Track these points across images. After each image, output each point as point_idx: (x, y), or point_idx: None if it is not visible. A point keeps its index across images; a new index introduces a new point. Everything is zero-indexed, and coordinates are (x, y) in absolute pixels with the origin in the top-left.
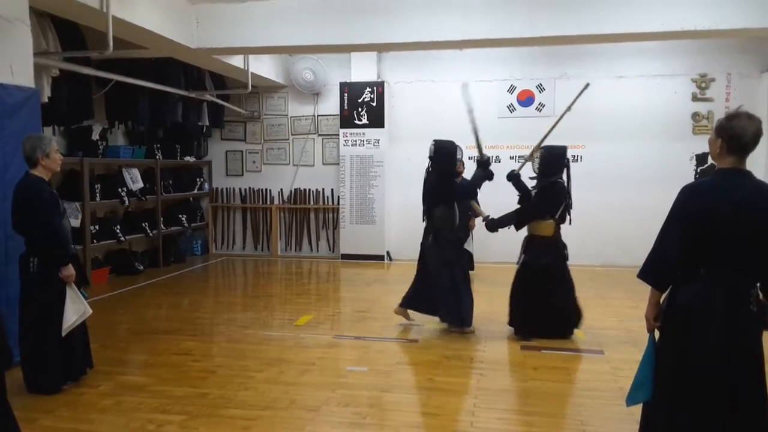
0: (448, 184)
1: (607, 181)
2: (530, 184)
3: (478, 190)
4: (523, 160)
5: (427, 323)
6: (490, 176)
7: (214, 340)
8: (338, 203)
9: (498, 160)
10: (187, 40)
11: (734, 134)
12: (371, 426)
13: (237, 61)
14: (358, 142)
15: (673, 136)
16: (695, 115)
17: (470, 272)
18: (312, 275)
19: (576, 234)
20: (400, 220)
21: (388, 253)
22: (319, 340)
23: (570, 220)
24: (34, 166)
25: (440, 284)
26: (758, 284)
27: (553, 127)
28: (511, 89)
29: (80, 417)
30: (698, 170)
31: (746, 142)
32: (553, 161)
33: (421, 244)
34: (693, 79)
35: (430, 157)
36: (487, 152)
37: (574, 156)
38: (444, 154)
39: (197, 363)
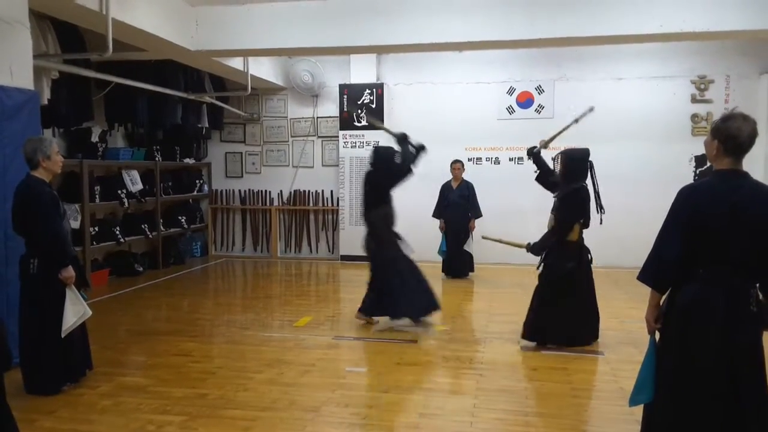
0: (389, 178)
1: (607, 183)
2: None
3: (413, 161)
4: (542, 144)
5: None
6: (419, 148)
7: (214, 341)
8: (338, 205)
9: (497, 161)
10: (186, 42)
11: (730, 135)
12: (371, 426)
13: (236, 63)
14: (357, 143)
15: (672, 138)
16: (694, 117)
17: (470, 273)
18: (311, 276)
19: None
20: (399, 221)
21: None
22: (318, 341)
23: (601, 221)
24: (35, 167)
25: (390, 282)
26: (758, 284)
27: (564, 129)
28: (511, 91)
29: (80, 418)
30: (697, 171)
31: (742, 143)
32: (574, 166)
33: (366, 248)
34: (692, 80)
35: (371, 164)
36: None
37: None
38: (383, 160)
39: (197, 364)
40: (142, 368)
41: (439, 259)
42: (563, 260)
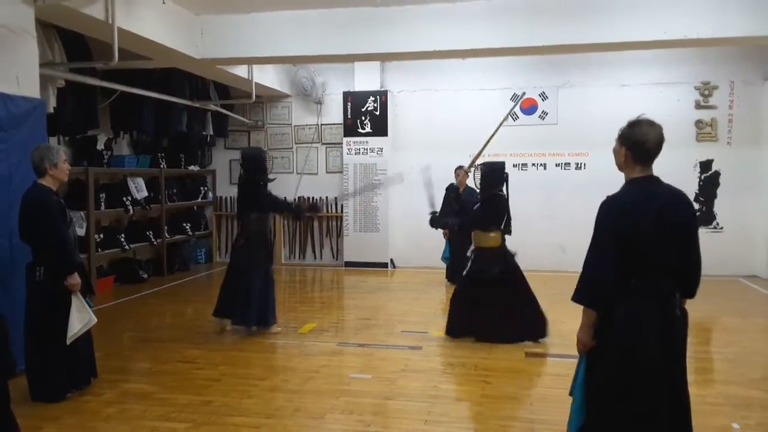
0: (255, 191)
1: (611, 189)
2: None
3: (285, 209)
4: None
5: (432, 330)
6: (296, 215)
7: (218, 347)
8: (342, 211)
9: None
10: (191, 50)
11: (637, 141)
12: None
13: (241, 71)
14: (361, 150)
15: (676, 144)
16: (698, 123)
17: None
18: (316, 283)
19: (580, 242)
20: (403, 227)
21: (391, 260)
22: (323, 347)
23: (510, 231)
24: (42, 175)
25: (248, 286)
26: (679, 288)
27: (479, 152)
28: (514, 98)
29: (85, 425)
30: (702, 177)
31: (649, 148)
32: (492, 176)
33: (233, 246)
34: (696, 86)
35: (241, 165)
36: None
37: (577, 164)
38: (251, 162)
39: (201, 371)
40: (147, 375)
41: (443, 265)
42: (490, 267)
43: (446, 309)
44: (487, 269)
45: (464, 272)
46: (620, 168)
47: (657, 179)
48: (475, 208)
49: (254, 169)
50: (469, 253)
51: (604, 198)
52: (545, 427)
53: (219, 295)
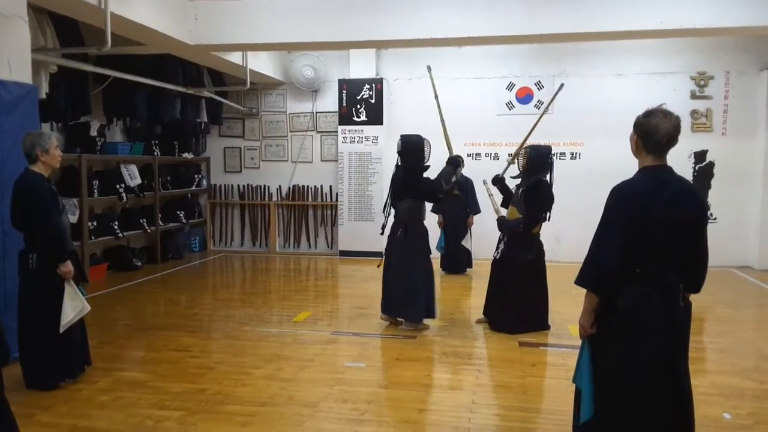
0: (414, 179)
1: (606, 179)
2: (512, 183)
3: (446, 186)
4: (507, 163)
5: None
6: (455, 169)
7: (213, 336)
8: (336, 200)
9: (497, 157)
10: (185, 36)
11: (647, 131)
12: (369, 422)
13: (235, 57)
14: (356, 138)
15: None
16: (694, 113)
17: (468, 269)
18: (310, 272)
19: (575, 232)
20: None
21: None
22: (317, 336)
23: (549, 217)
24: (34, 162)
25: (411, 277)
26: (684, 281)
27: (533, 127)
28: (510, 86)
29: (78, 413)
30: (696, 168)
31: (658, 140)
32: (539, 160)
33: (389, 238)
34: (692, 76)
35: (398, 152)
36: (457, 153)
37: (573, 153)
38: (411, 150)
39: (195, 359)
40: (141, 363)
41: (438, 254)
42: (525, 252)
43: (441, 298)
44: (520, 254)
45: (495, 255)
46: (634, 155)
47: (669, 169)
48: (519, 194)
49: (413, 156)
50: (501, 235)
51: (617, 183)
52: (538, 415)
53: (383, 293)
